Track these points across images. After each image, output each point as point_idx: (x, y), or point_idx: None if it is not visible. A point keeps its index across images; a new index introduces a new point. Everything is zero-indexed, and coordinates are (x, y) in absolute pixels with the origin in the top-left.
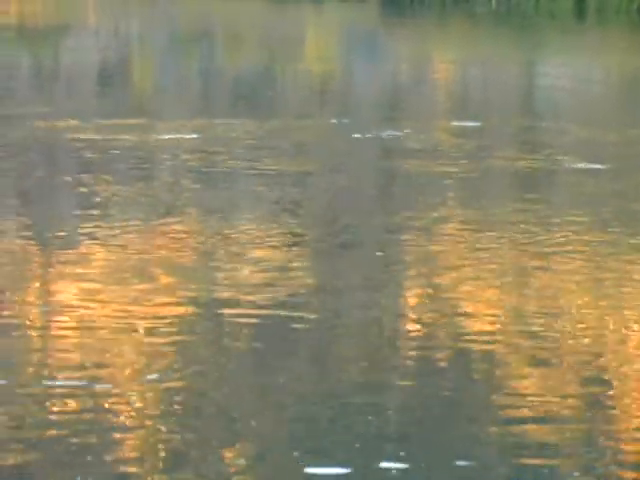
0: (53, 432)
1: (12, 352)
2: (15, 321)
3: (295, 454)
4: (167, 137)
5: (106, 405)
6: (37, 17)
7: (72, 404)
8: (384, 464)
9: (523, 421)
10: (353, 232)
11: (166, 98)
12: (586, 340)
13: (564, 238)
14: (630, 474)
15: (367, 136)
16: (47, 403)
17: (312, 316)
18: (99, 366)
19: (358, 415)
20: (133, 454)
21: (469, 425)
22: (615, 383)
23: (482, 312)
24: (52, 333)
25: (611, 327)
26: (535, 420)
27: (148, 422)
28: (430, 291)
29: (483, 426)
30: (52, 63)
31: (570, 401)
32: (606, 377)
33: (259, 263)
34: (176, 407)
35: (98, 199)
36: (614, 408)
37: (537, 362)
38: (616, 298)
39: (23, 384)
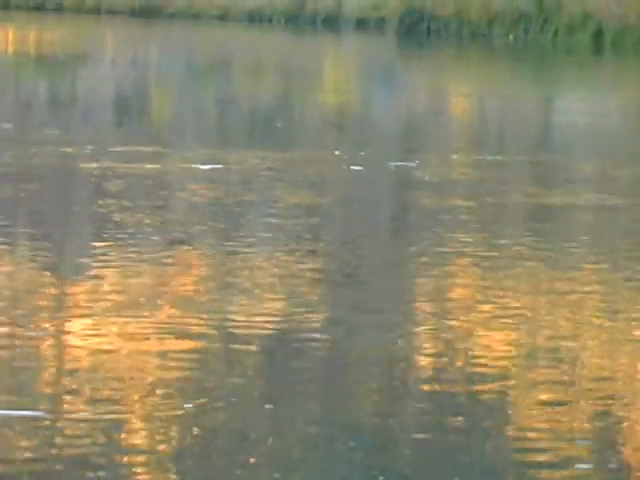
0: (60, 467)
1: (20, 382)
2: (22, 351)
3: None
4: (182, 166)
5: (117, 438)
6: (55, 46)
7: (82, 436)
8: None
9: (536, 465)
10: (366, 265)
11: (182, 127)
12: (601, 382)
13: (580, 274)
14: None
15: (382, 168)
16: (57, 434)
17: (324, 347)
18: (109, 399)
19: (365, 448)
20: None
21: (480, 465)
22: (630, 425)
23: (494, 347)
24: (62, 363)
25: (628, 368)
26: (549, 465)
27: (160, 453)
28: (442, 325)
29: (494, 466)
30: (70, 91)
31: (584, 444)
32: (621, 419)
33: (272, 294)
34: (189, 439)
35: (112, 227)
36: (630, 454)
37: (550, 403)
38: (634, 338)
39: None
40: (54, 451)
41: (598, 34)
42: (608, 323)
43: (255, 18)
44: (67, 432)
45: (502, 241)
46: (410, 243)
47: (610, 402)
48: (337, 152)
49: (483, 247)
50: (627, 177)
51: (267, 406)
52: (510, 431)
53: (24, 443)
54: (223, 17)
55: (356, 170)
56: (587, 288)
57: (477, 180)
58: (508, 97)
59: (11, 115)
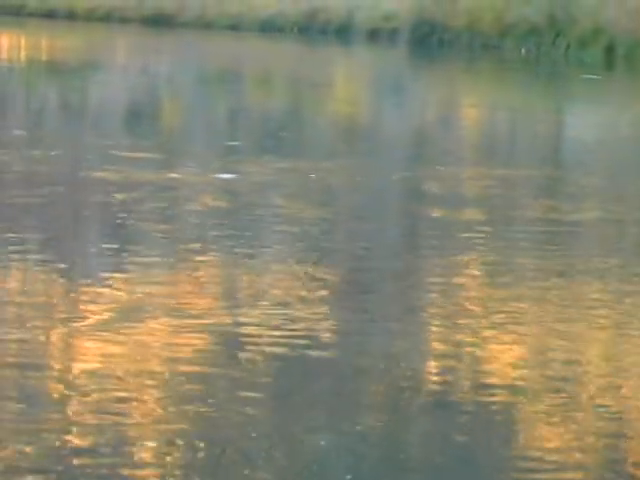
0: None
1: (36, 387)
2: (36, 361)
3: None
4: (193, 176)
5: (125, 452)
6: (67, 53)
7: (92, 445)
8: None
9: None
10: (376, 275)
11: (193, 137)
12: (610, 399)
13: (590, 286)
14: None
15: (392, 180)
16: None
17: (332, 357)
18: (119, 411)
19: (371, 456)
20: None
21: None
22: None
23: (505, 359)
24: (72, 372)
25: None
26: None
27: (165, 466)
28: (451, 337)
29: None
30: (81, 98)
31: (591, 462)
32: (631, 435)
33: (281, 304)
34: (195, 450)
35: (122, 237)
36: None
37: (558, 418)
38: None
39: (44, 419)
40: (59, 456)
41: (610, 48)
42: (618, 336)
43: (267, 28)
44: (72, 438)
45: (512, 254)
46: (420, 254)
47: (619, 417)
48: (345, 162)
49: (493, 259)
50: (638, 192)
51: (275, 417)
52: (516, 446)
53: (30, 449)
54: (235, 27)
55: (365, 181)
56: (597, 302)
57: (487, 193)
58: (519, 110)
59: (23, 122)
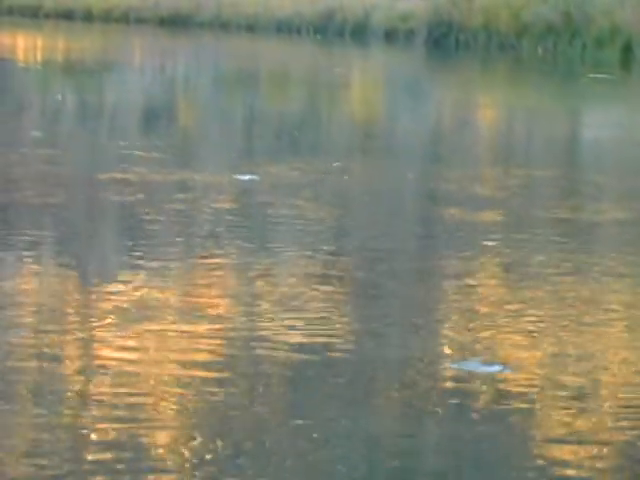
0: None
1: (53, 390)
2: (47, 363)
3: None
4: (210, 176)
5: (141, 458)
6: (84, 53)
7: (106, 450)
8: None
9: None
10: (391, 277)
11: (210, 137)
12: (626, 408)
13: (607, 289)
14: None
15: (408, 181)
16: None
17: (348, 359)
18: (133, 417)
19: (390, 462)
20: None
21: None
22: None
23: (519, 363)
24: (89, 377)
25: None
26: None
27: (181, 472)
28: (466, 340)
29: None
30: (97, 99)
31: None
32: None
33: (296, 306)
34: (210, 457)
35: (137, 238)
36: None
37: (573, 421)
38: None
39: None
40: (73, 458)
41: (627, 48)
42: (635, 340)
43: (283, 28)
44: (88, 441)
45: (528, 255)
46: (437, 256)
47: (636, 429)
48: (361, 162)
49: (508, 260)
50: None
51: (295, 422)
52: (533, 453)
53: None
54: (251, 27)
55: (381, 181)
56: (614, 304)
57: (503, 193)
58: (536, 111)
59: (39, 123)
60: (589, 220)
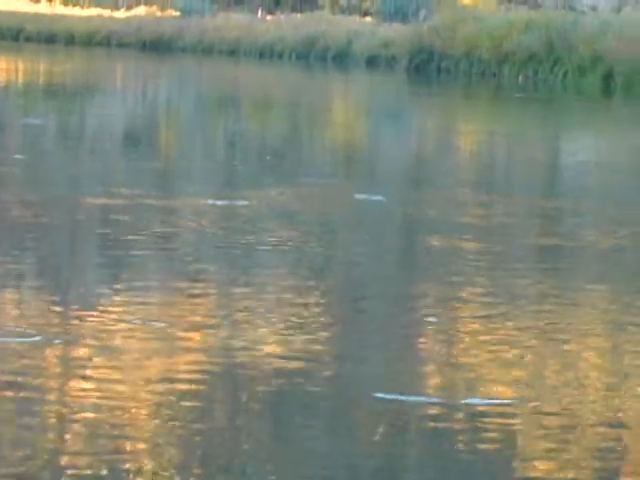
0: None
1: (30, 412)
2: (30, 384)
3: None
4: (190, 203)
5: (122, 477)
6: (65, 77)
7: (87, 468)
8: None
9: None
10: (372, 303)
11: (191, 162)
12: (607, 427)
13: (587, 315)
14: None
15: (389, 207)
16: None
17: (327, 383)
18: (115, 435)
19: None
20: None
21: None
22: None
23: (504, 388)
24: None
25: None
26: None
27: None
28: (448, 363)
29: None
30: (78, 124)
31: None
32: (628, 462)
33: (278, 331)
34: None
35: (118, 261)
36: None
37: (554, 442)
38: None
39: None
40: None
41: (608, 76)
42: (620, 365)
43: (266, 54)
44: (66, 462)
45: (511, 282)
46: (419, 281)
47: (616, 447)
48: (343, 188)
49: (490, 286)
50: (636, 219)
51: (272, 445)
52: (521, 469)
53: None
54: (233, 52)
55: (363, 207)
56: (593, 325)
57: (484, 220)
58: (516, 138)
59: (21, 146)
60: (571, 247)
